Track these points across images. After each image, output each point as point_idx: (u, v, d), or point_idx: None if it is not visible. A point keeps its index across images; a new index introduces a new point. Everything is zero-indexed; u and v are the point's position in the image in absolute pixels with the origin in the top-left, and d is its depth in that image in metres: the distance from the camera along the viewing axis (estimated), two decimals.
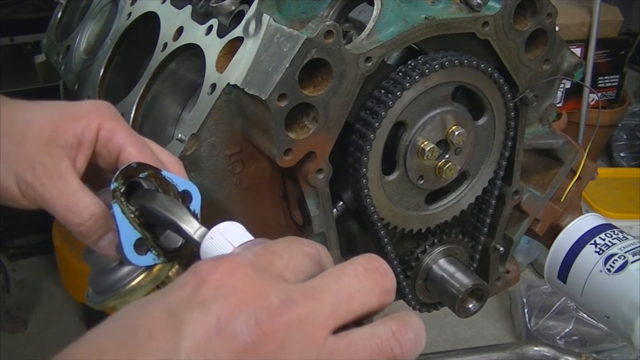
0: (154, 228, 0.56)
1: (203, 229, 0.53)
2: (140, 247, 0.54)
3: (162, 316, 0.41)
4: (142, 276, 0.56)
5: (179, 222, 0.54)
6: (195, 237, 0.52)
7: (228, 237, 0.50)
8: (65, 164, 0.59)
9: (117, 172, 0.55)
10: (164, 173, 0.58)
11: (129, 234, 0.54)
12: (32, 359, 2.22)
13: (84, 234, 0.59)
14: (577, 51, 2.89)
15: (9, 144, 0.60)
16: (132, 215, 0.55)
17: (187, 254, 0.57)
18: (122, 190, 0.54)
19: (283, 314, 0.40)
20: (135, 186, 0.56)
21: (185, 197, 0.58)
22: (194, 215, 0.56)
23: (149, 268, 0.56)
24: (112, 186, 0.54)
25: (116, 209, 0.54)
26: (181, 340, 0.39)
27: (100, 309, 0.58)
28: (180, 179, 0.59)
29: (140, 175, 0.56)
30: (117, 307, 0.56)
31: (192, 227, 0.53)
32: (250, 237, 0.50)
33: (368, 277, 0.44)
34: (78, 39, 1.18)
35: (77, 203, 0.58)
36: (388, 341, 0.41)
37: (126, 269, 0.57)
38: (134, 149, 0.61)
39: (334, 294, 0.42)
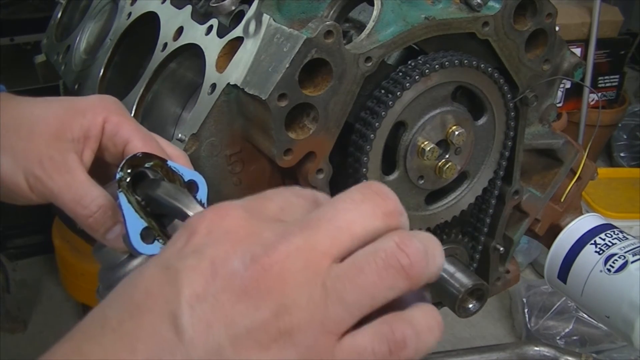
0: (160, 218, 0.56)
1: None
2: (146, 236, 0.54)
3: (157, 272, 0.40)
4: None
5: (185, 209, 0.53)
6: None
7: None
8: (72, 158, 0.60)
9: (123, 162, 0.55)
10: (169, 163, 0.58)
11: (135, 223, 0.54)
12: (32, 359, 2.22)
13: (93, 226, 0.59)
14: (577, 51, 2.89)
15: (17, 140, 0.60)
16: (138, 205, 0.55)
17: None
18: (127, 180, 0.55)
19: (280, 245, 0.38)
20: (142, 176, 0.56)
21: (191, 187, 0.59)
22: (201, 204, 0.56)
23: None
24: (118, 176, 0.54)
25: (122, 198, 0.54)
26: (179, 290, 0.38)
27: None
28: (186, 169, 0.59)
29: (146, 165, 0.57)
30: None
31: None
32: None
33: (367, 201, 0.41)
34: (78, 39, 1.18)
35: (85, 196, 0.59)
36: (393, 253, 0.38)
37: (135, 262, 0.57)
38: (139, 141, 0.62)
39: (332, 221, 0.40)
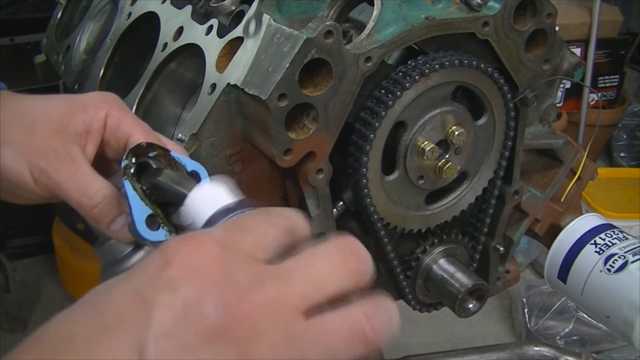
0: (165, 207, 0.56)
1: None
2: (152, 223, 0.55)
3: (130, 298, 0.40)
4: None
5: (189, 193, 0.54)
6: None
7: (214, 197, 0.50)
8: (75, 150, 0.61)
9: (128, 151, 0.56)
10: (172, 154, 0.58)
11: (141, 209, 0.55)
12: None
13: (97, 217, 0.60)
14: (577, 51, 2.89)
15: (21, 133, 0.61)
16: (143, 192, 0.55)
17: None
18: (132, 168, 0.55)
19: (252, 295, 0.40)
20: (145, 167, 0.57)
21: (194, 177, 0.59)
22: None
23: None
24: (123, 164, 0.55)
25: (127, 185, 0.54)
26: (150, 325, 0.39)
27: None
28: (188, 160, 0.60)
29: (150, 155, 0.57)
30: None
31: None
32: (235, 197, 0.50)
33: (341, 258, 0.43)
34: (78, 39, 1.18)
35: (89, 186, 0.59)
36: (361, 324, 0.41)
37: (137, 256, 0.58)
38: (141, 135, 0.63)
39: (305, 275, 0.42)
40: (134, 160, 0.56)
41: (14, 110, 0.63)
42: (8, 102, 0.64)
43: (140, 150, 0.57)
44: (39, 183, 0.60)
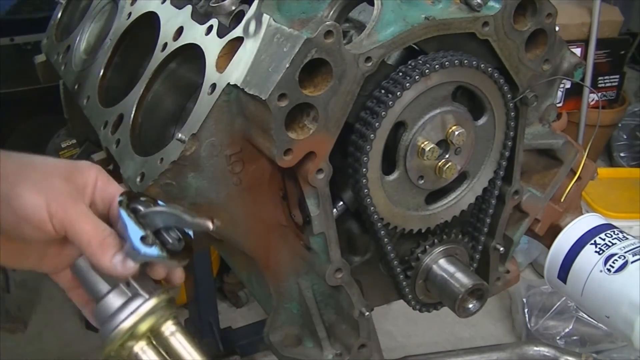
0: (156, 233, 0.67)
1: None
2: (146, 241, 0.65)
3: None
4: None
5: (182, 215, 0.66)
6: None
7: None
8: (81, 197, 0.70)
9: (122, 193, 0.69)
10: (160, 202, 0.70)
11: (136, 231, 0.65)
12: (32, 359, 2.23)
13: (105, 248, 0.67)
14: (577, 51, 2.89)
15: (35, 174, 0.68)
16: (136, 219, 0.66)
17: (187, 255, 0.68)
18: (126, 202, 0.67)
19: None
20: (136, 210, 0.68)
21: None
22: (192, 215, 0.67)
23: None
24: (119, 199, 0.68)
25: (123, 213, 0.66)
26: None
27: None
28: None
29: (142, 199, 0.69)
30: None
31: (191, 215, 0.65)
32: None
33: None
34: (78, 39, 1.18)
35: (99, 223, 0.68)
36: None
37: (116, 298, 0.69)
38: None
39: None
40: (127, 198, 0.68)
41: (23, 162, 0.68)
42: (11, 156, 0.68)
43: (132, 195, 0.69)
44: (53, 219, 0.66)
